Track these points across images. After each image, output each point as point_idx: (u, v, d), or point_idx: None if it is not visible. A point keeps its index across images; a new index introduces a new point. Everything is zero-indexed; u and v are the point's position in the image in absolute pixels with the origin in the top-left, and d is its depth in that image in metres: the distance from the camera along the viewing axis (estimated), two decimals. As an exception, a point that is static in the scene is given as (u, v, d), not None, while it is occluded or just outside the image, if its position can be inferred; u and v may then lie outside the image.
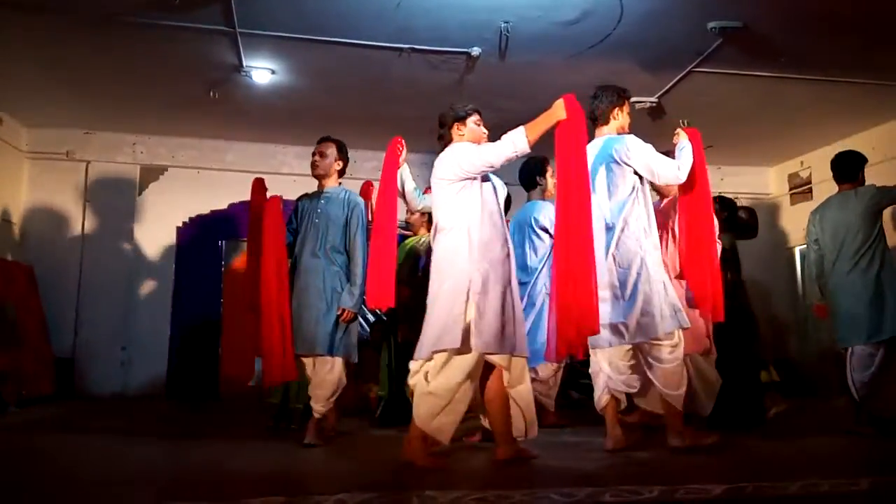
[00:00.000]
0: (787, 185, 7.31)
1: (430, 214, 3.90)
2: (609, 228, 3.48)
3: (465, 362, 3.04)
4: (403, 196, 3.71)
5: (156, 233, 6.64)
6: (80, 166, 6.54)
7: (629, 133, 3.63)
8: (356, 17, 4.24)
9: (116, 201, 6.56)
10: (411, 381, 3.21)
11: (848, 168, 4.38)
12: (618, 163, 3.49)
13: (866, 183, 4.37)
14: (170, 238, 6.64)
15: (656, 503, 2.48)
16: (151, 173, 6.68)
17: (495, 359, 3.11)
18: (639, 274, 3.39)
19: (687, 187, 3.62)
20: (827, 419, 5.00)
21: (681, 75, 5.02)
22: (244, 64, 4.88)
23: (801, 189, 7.12)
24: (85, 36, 4.50)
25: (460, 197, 3.20)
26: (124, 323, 6.42)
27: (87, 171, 6.55)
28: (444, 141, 3.41)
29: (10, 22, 4.30)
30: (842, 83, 5.12)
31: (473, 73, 5.03)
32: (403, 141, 3.71)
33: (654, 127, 6.07)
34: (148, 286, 6.53)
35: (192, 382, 6.28)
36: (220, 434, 4.22)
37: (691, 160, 3.49)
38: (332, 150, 3.99)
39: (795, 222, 7.15)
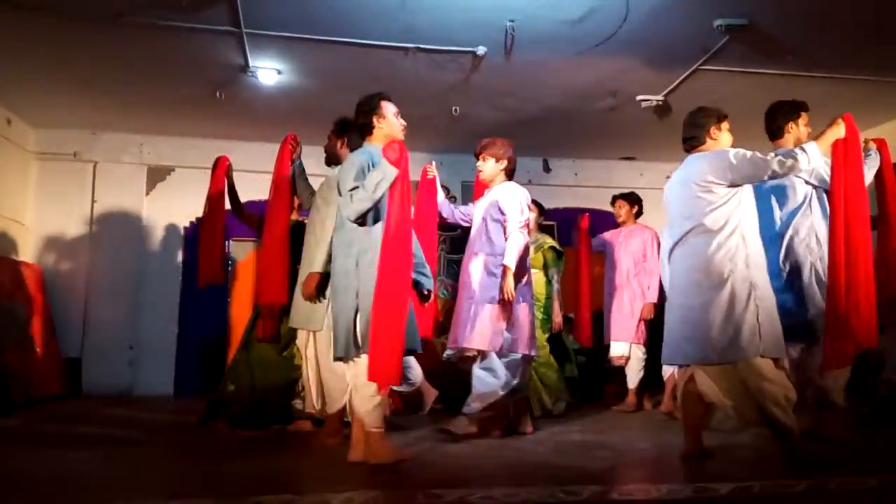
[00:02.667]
0: (794, 182, 7.27)
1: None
2: (780, 236, 3.53)
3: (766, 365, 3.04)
4: (296, 189, 4.01)
5: (163, 233, 6.67)
6: (88, 167, 6.57)
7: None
8: (362, 17, 4.24)
9: (124, 202, 6.59)
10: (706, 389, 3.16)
11: None
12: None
13: None
14: (177, 238, 6.66)
15: (663, 502, 2.47)
16: (158, 173, 6.70)
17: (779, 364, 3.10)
18: (809, 279, 3.45)
19: (880, 196, 3.65)
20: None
21: (687, 73, 5.00)
22: (250, 64, 4.89)
23: (809, 187, 7.08)
24: (92, 36, 4.52)
25: (733, 201, 3.15)
26: (132, 322, 6.45)
27: (94, 172, 6.58)
28: (696, 143, 3.34)
29: (17, 22, 4.32)
30: (849, 80, 5.09)
31: (479, 73, 5.02)
32: (297, 138, 4.01)
33: (661, 125, 6.06)
34: (156, 285, 6.55)
35: (200, 381, 6.30)
36: (228, 431, 4.22)
37: (875, 167, 3.57)
38: None
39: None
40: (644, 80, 5.17)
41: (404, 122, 3.41)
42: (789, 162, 3.13)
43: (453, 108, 5.62)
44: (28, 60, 4.91)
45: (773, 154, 3.20)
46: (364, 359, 3.02)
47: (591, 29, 4.37)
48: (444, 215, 4.23)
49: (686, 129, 3.39)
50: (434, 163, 4.30)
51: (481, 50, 4.65)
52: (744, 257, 3.09)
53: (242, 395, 4.08)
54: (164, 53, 4.76)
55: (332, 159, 3.94)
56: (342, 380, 3.53)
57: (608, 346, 5.48)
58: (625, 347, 5.39)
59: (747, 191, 3.21)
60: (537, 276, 4.88)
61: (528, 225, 4.05)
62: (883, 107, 5.73)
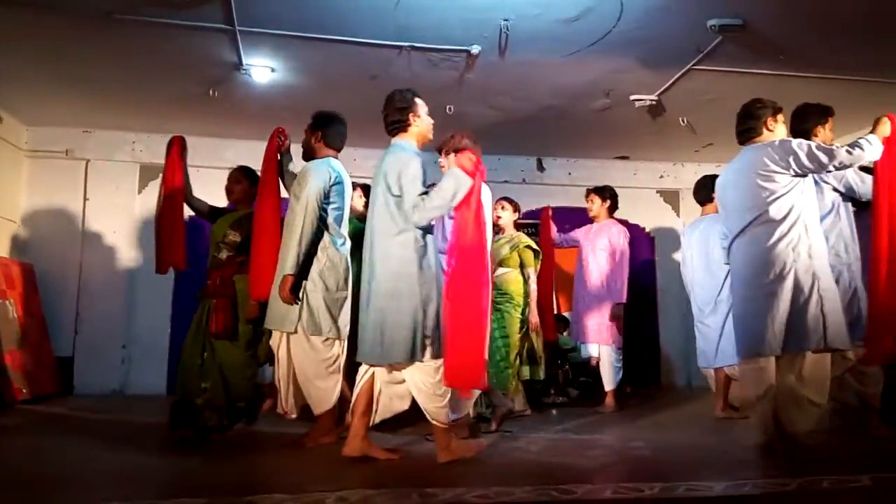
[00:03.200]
0: (787, 182, 7.31)
1: None
2: None
3: (828, 361, 3.05)
4: (284, 183, 3.92)
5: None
6: (80, 164, 6.54)
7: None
8: (356, 15, 4.23)
9: (116, 200, 6.56)
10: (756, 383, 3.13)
11: None
12: (816, 181, 3.49)
13: None
14: (170, 236, 6.62)
15: (657, 500, 2.48)
16: (151, 171, 6.66)
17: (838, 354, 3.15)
18: (847, 287, 3.46)
19: None
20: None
21: (681, 73, 5.01)
22: (244, 62, 4.88)
23: (801, 187, 7.12)
24: (85, 34, 4.50)
25: (795, 190, 3.16)
26: (125, 321, 6.42)
27: (86, 170, 6.55)
28: (753, 134, 3.37)
29: (10, 19, 4.29)
30: (843, 80, 5.11)
31: (473, 71, 5.02)
32: (286, 131, 3.94)
33: (655, 124, 6.07)
34: (148, 284, 6.49)
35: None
36: (218, 437, 4.20)
37: None
38: None
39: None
40: (638, 80, 5.18)
41: (432, 119, 3.45)
42: (856, 151, 3.16)
43: (447, 107, 5.61)
44: (20, 57, 4.89)
45: (837, 144, 3.23)
46: (430, 361, 3.06)
47: (585, 28, 4.37)
48: None
49: (742, 120, 3.42)
50: None
51: (475, 49, 4.64)
52: (807, 248, 3.09)
53: (217, 402, 3.85)
54: (158, 51, 4.74)
55: (309, 154, 3.92)
56: (331, 379, 3.57)
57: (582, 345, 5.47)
58: (594, 349, 5.32)
59: (808, 181, 3.22)
60: (514, 275, 4.79)
61: (499, 225, 3.96)
62: (877, 108, 5.70)
